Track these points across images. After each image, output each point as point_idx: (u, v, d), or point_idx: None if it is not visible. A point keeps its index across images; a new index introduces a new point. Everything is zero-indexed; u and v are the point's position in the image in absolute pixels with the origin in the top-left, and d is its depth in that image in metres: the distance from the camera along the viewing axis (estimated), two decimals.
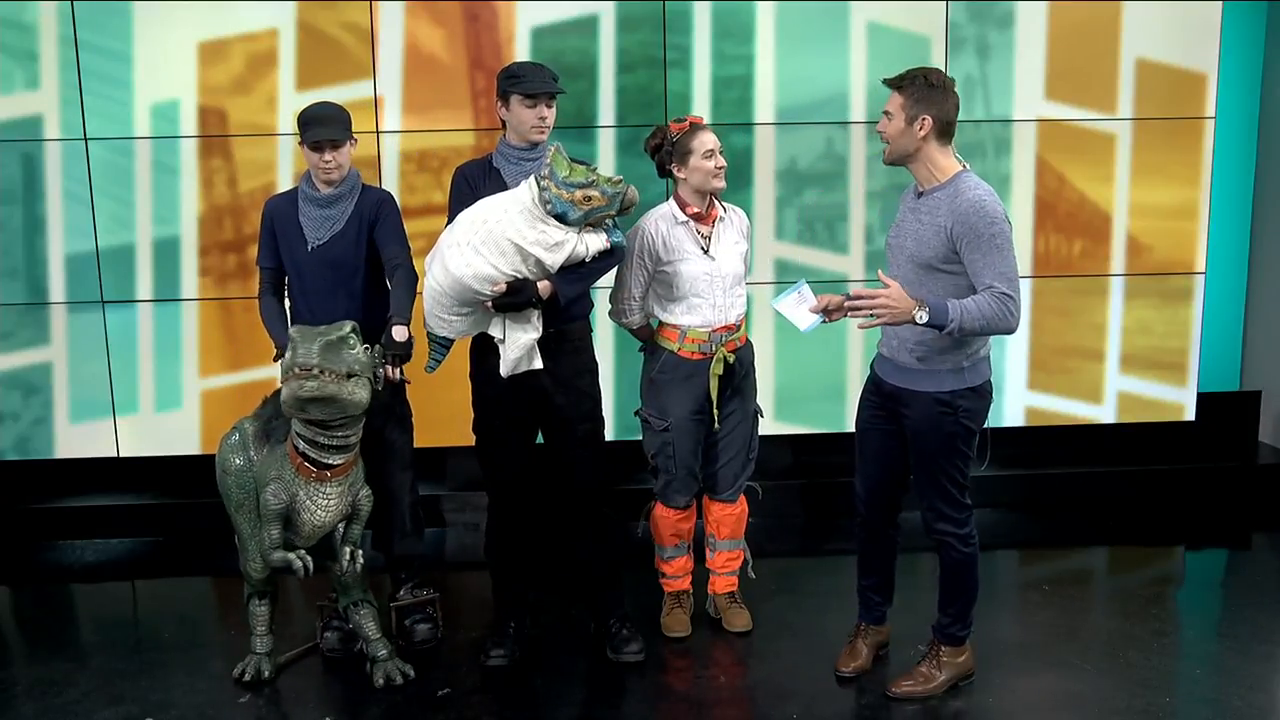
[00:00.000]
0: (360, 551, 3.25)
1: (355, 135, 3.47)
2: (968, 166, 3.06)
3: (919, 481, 3.17)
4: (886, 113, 3.03)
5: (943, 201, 2.98)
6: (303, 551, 3.16)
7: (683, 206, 3.48)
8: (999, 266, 2.89)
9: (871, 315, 2.89)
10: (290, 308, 3.56)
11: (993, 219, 2.89)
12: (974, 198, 2.92)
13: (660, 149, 3.49)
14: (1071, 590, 4.01)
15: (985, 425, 3.16)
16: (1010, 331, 2.94)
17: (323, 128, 3.36)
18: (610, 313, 3.62)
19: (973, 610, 3.25)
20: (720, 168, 3.44)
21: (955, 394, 3.04)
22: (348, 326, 3.05)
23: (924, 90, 2.98)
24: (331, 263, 3.43)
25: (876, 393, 3.22)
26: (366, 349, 3.12)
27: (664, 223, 3.48)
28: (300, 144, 3.42)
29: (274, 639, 3.44)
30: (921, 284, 2.99)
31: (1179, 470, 4.88)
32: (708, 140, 3.42)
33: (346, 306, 3.41)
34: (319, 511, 3.13)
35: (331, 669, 3.47)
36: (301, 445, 3.11)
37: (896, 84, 3.03)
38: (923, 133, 2.98)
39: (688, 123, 3.46)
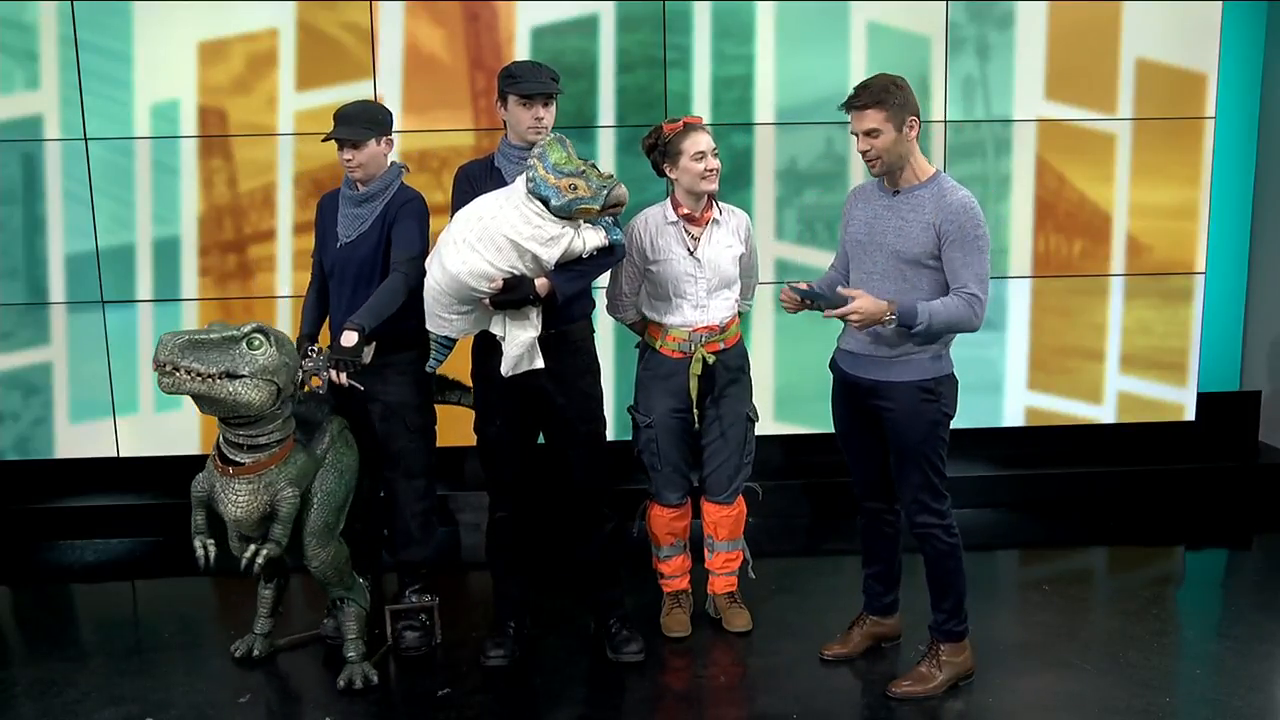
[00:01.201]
0: (264, 551, 3.14)
1: (390, 135, 3.44)
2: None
3: (901, 475, 3.19)
4: (869, 131, 3.02)
5: (927, 199, 3.05)
6: (211, 542, 3.20)
7: (675, 206, 3.49)
8: (976, 268, 3.01)
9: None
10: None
11: (979, 222, 3.02)
12: (963, 198, 3.03)
13: (654, 149, 3.49)
14: (1071, 590, 4.01)
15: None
16: (973, 330, 3.06)
17: (339, 127, 3.37)
18: (606, 307, 3.64)
19: (966, 603, 3.25)
20: (711, 170, 3.43)
21: (937, 380, 3.11)
22: (249, 327, 3.02)
23: (899, 95, 3.03)
24: (356, 262, 3.43)
25: (851, 393, 3.23)
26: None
27: (654, 221, 3.50)
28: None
29: (273, 622, 3.52)
30: (904, 278, 3.06)
31: (1179, 470, 4.87)
32: (699, 141, 3.41)
33: None
34: (231, 506, 3.13)
35: (332, 667, 3.46)
36: (219, 439, 3.14)
37: (873, 102, 3.01)
38: (914, 133, 3.06)
39: (681, 123, 3.45)
